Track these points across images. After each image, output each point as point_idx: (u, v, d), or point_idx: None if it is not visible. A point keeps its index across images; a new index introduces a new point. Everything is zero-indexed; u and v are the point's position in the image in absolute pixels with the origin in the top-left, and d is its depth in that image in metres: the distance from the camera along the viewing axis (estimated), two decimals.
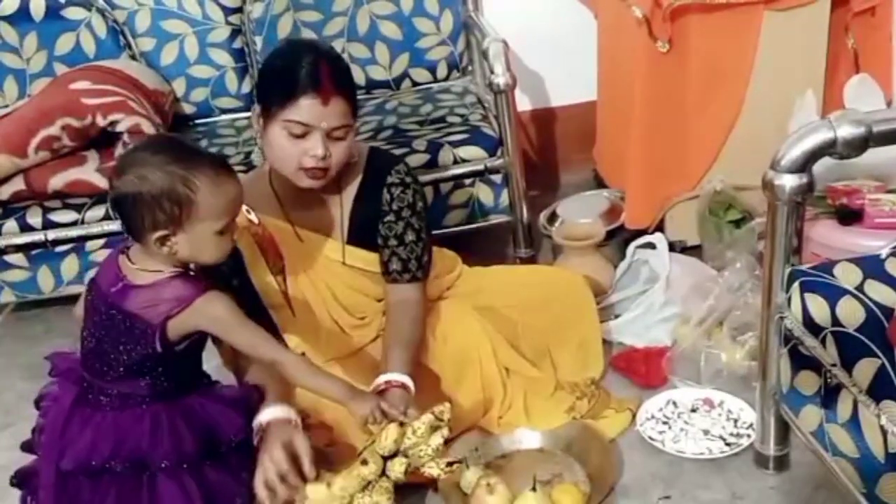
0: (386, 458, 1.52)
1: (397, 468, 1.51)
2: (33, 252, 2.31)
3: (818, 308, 1.41)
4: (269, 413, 1.53)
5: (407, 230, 1.78)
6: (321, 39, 2.61)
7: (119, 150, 2.27)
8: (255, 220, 1.71)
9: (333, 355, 1.82)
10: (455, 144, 2.33)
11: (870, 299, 1.38)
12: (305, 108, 1.60)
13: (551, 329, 1.94)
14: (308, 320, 1.80)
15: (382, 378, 1.64)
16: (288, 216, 1.76)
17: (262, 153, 1.75)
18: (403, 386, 1.63)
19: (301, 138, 1.62)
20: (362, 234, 1.79)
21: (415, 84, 2.70)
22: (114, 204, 1.41)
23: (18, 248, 2.29)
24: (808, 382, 1.46)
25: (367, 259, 1.80)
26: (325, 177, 1.67)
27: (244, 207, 1.69)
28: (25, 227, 2.27)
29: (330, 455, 1.68)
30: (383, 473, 1.52)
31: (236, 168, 2.30)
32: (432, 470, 1.54)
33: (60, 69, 2.51)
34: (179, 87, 2.63)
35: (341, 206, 1.78)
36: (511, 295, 1.95)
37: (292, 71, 1.61)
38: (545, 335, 1.93)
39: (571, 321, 1.96)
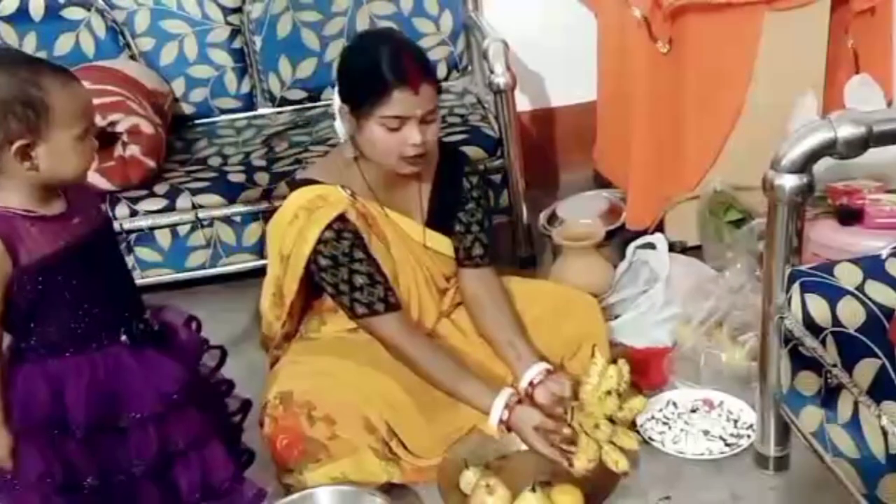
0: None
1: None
2: None
3: (818, 308, 1.41)
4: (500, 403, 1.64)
5: (485, 217, 1.88)
6: (320, 40, 2.61)
7: (119, 151, 2.27)
8: (351, 199, 1.73)
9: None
10: (455, 145, 2.32)
11: (870, 300, 1.38)
12: (399, 101, 1.63)
13: (561, 344, 1.93)
14: (404, 293, 1.82)
15: (529, 374, 1.75)
16: (377, 196, 1.79)
17: (353, 148, 1.75)
18: (548, 371, 1.76)
19: (397, 130, 1.66)
20: (440, 218, 1.85)
21: None
22: None
23: None
24: (809, 383, 1.46)
25: (444, 243, 1.86)
26: (424, 160, 1.73)
27: (339, 186, 1.73)
28: None
29: (331, 447, 1.70)
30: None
31: (236, 169, 2.35)
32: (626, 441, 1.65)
33: None
34: (179, 87, 2.63)
35: (420, 190, 1.83)
36: (525, 305, 1.95)
37: (377, 67, 1.63)
38: (554, 348, 1.93)
39: (581, 337, 1.94)
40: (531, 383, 1.74)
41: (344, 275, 1.70)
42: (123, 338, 1.43)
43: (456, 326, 1.91)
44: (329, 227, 1.69)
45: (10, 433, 1.36)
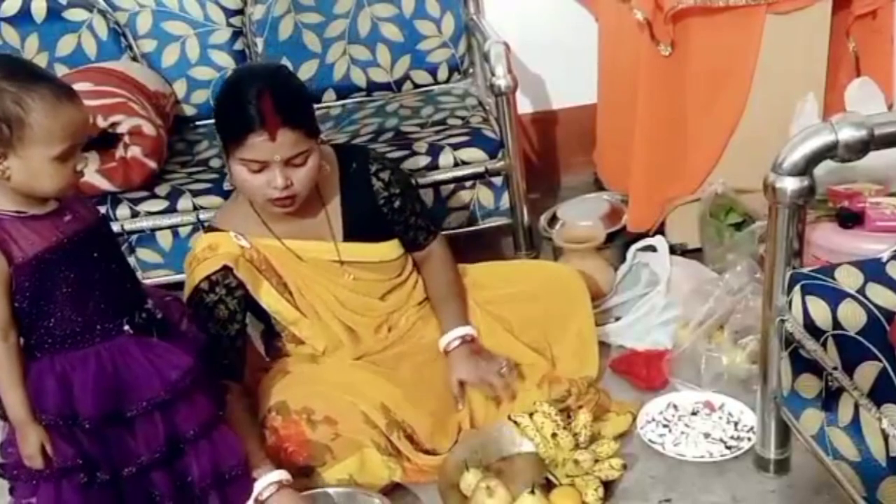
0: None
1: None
2: None
3: (819, 311, 1.41)
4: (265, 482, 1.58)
5: (415, 202, 1.91)
6: (321, 41, 2.61)
7: (120, 152, 2.27)
8: (247, 245, 1.73)
9: (362, 353, 1.86)
10: (456, 147, 2.33)
11: (871, 302, 1.38)
12: (254, 145, 1.60)
13: (546, 321, 1.95)
14: (324, 329, 1.83)
15: (446, 339, 1.85)
16: (273, 233, 1.77)
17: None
18: (472, 339, 1.86)
19: (260, 172, 1.64)
20: (360, 227, 1.82)
21: (416, 86, 2.70)
22: None
23: None
24: (809, 386, 1.46)
25: (366, 251, 1.84)
26: (295, 203, 1.69)
27: (232, 234, 1.72)
28: None
29: (333, 447, 1.71)
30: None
31: None
32: (610, 472, 1.68)
33: (61, 70, 2.51)
34: (180, 88, 2.63)
35: (326, 210, 1.80)
36: (504, 286, 1.98)
37: (238, 109, 1.61)
38: (541, 327, 1.95)
39: (566, 313, 1.97)
40: (446, 350, 1.85)
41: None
42: (126, 328, 1.45)
43: (424, 320, 1.93)
44: (208, 277, 1.68)
45: (39, 428, 1.39)
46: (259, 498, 1.58)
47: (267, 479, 1.59)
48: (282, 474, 1.61)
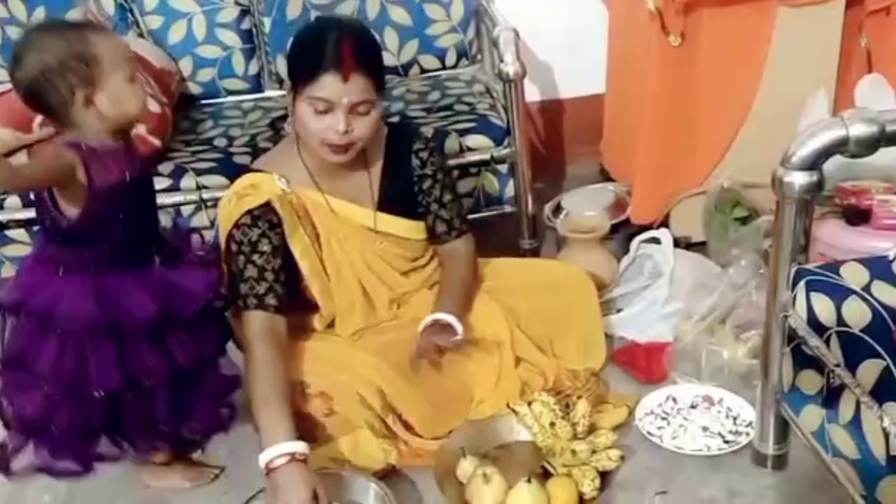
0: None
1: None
2: (35, 227, 2.30)
3: (823, 308, 1.40)
4: (279, 449, 1.52)
5: (444, 191, 1.89)
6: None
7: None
8: (288, 189, 1.75)
9: (363, 325, 1.86)
10: (462, 133, 2.32)
11: (876, 300, 1.37)
12: (326, 84, 1.65)
13: (553, 320, 1.94)
14: (342, 290, 1.83)
15: (428, 318, 1.78)
16: (318, 185, 1.80)
17: (293, 126, 1.79)
18: (449, 325, 1.78)
19: (324, 114, 1.67)
20: (394, 201, 1.86)
21: (423, 71, 2.69)
22: (27, 94, 1.47)
23: (20, 224, 2.28)
24: (811, 382, 1.45)
25: (399, 225, 1.86)
26: (348, 152, 1.73)
27: (275, 175, 1.76)
28: (28, 203, 2.26)
29: (328, 424, 1.70)
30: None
31: (242, 150, 2.34)
32: (607, 463, 1.68)
33: None
34: (186, 66, 2.61)
35: (370, 177, 1.84)
36: (513, 283, 1.97)
37: (316, 48, 1.66)
38: (547, 326, 1.94)
39: (573, 314, 1.97)
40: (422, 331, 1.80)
41: (241, 263, 1.72)
42: (157, 259, 1.63)
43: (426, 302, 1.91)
44: (249, 212, 1.71)
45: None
46: (270, 466, 1.50)
47: (278, 450, 1.50)
48: (295, 446, 1.51)
